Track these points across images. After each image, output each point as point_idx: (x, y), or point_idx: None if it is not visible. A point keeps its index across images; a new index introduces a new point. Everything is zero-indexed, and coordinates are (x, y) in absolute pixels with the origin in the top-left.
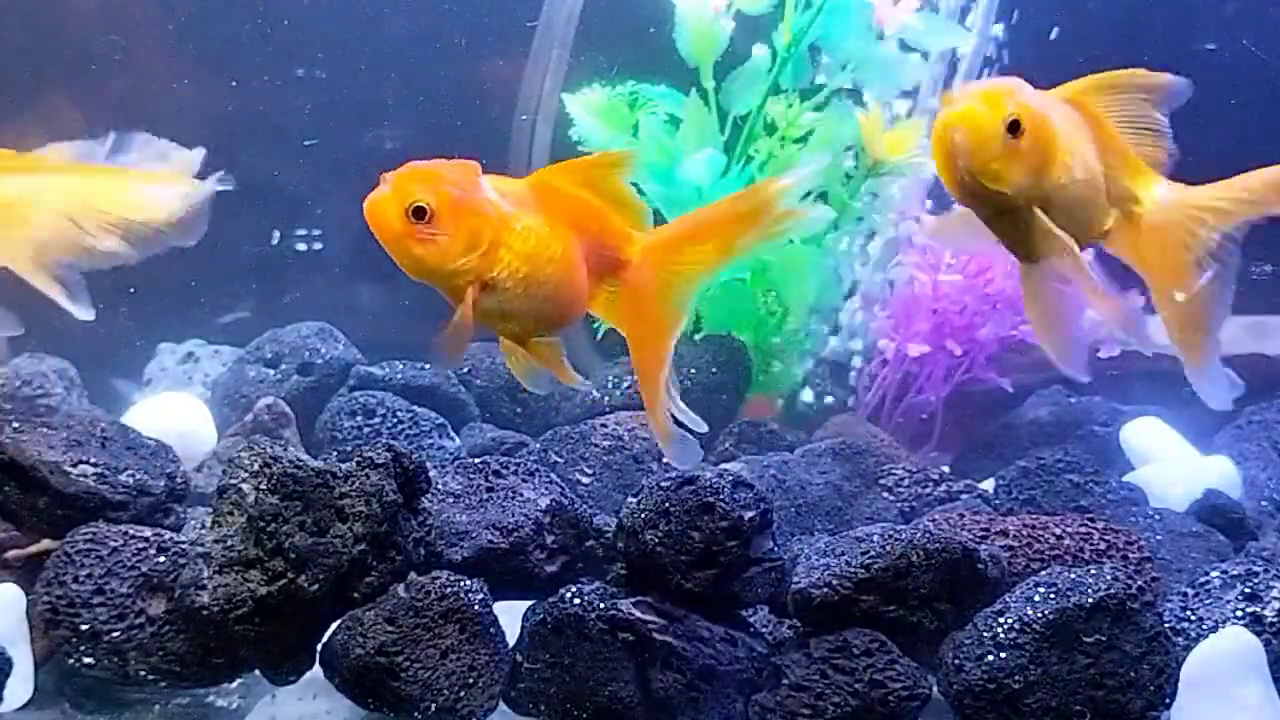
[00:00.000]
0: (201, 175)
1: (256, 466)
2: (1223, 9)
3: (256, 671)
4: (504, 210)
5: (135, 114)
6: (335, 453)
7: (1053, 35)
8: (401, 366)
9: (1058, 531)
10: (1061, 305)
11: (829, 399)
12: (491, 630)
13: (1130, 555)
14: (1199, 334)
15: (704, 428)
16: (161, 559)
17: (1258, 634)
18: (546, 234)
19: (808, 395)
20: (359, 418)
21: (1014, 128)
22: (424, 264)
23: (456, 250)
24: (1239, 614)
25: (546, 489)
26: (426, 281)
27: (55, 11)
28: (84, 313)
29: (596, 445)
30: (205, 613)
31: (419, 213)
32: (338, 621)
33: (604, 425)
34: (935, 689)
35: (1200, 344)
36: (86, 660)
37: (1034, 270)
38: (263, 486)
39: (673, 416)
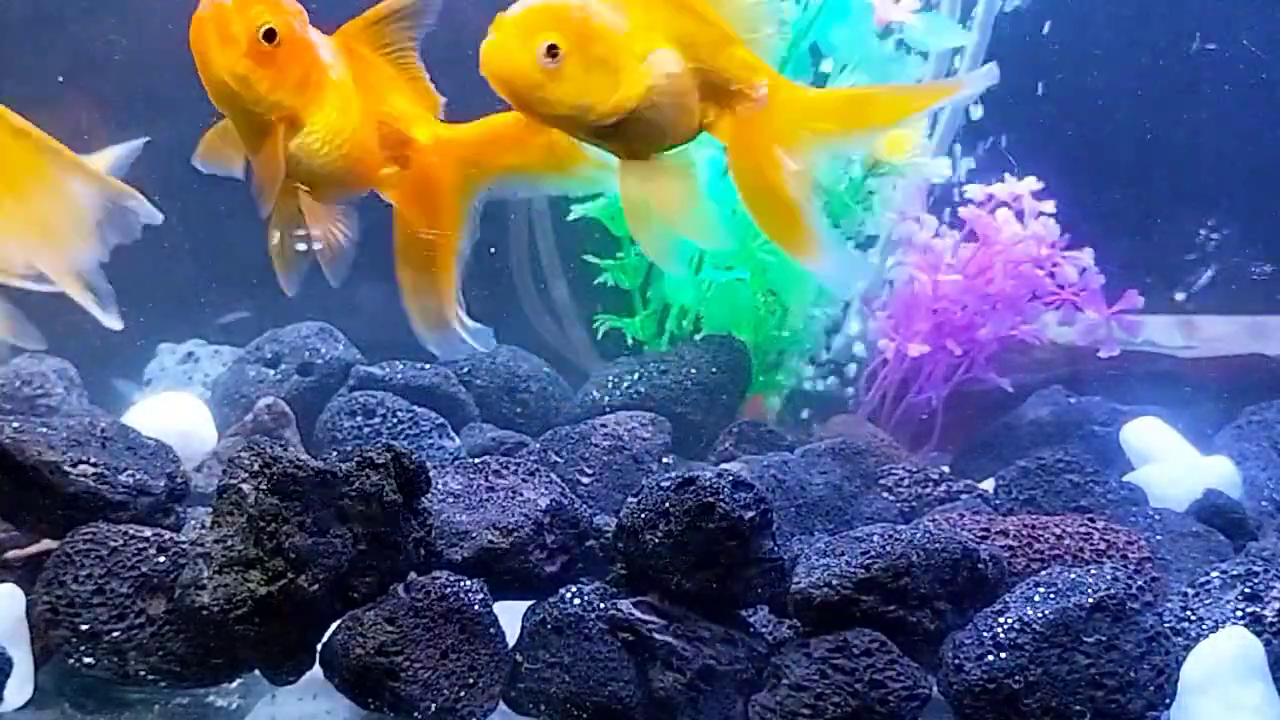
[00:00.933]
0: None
1: (256, 466)
2: (1220, 7)
3: (256, 671)
4: (327, 56)
5: (134, 112)
6: (335, 453)
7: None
8: (401, 367)
9: (1058, 531)
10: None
11: (829, 398)
12: (491, 630)
13: (1130, 555)
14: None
15: (489, 346)
16: (161, 559)
17: (1258, 634)
18: (353, 90)
19: (808, 395)
20: (359, 418)
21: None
22: (251, 89)
23: (289, 82)
24: (1239, 614)
25: (546, 489)
26: (231, 107)
27: (55, 9)
28: (113, 321)
29: (596, 445)
30: (205, 613)
31: (268, 35)
32: (338, 621)
33: (604, 425)
34: (935, 689)
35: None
36: (86, 660)
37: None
38: (263, 486)
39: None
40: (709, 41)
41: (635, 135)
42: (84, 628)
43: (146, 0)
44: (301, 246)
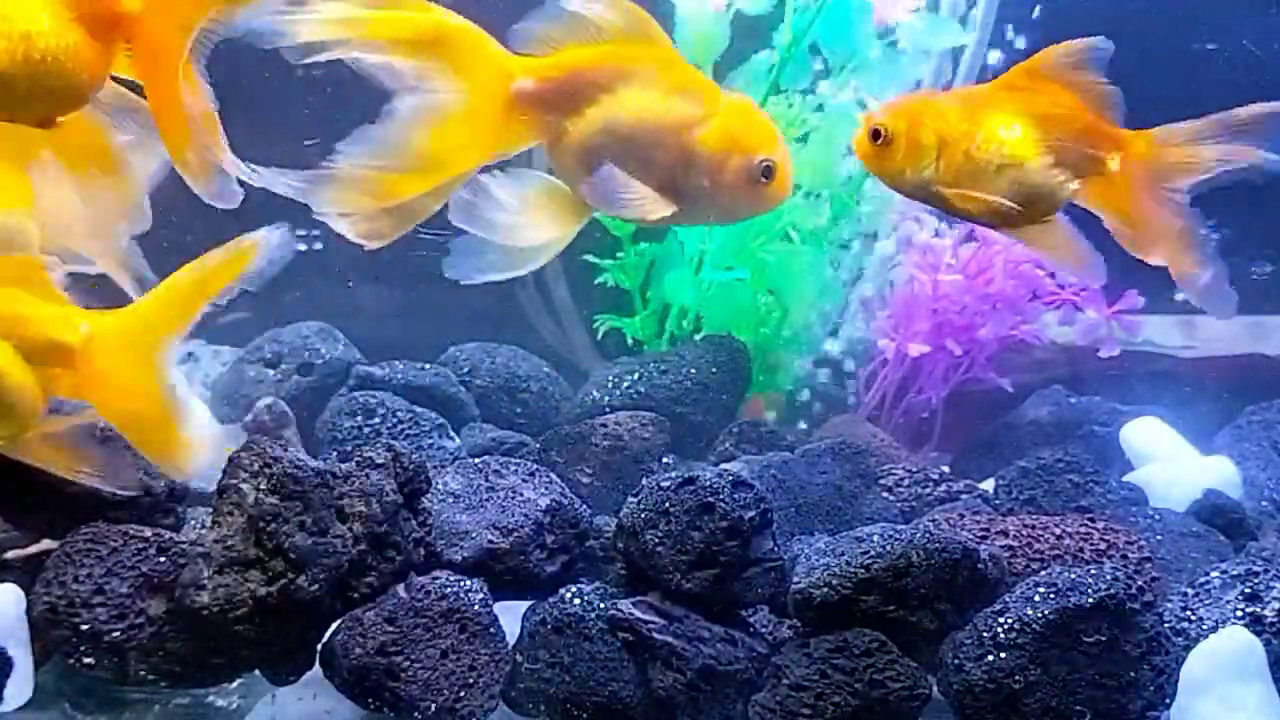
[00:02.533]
0: None
1: (256, 466)
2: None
3: (257, 672)
4: None
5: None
6: (335, 453)
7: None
8: (401, 367)
9: (1058, 531)
10: None
11: (829, 398)
12: (491, 630)
13: (1130, 555)
14: None
15: (256, 179)
16: (161, 559)
17: (1258, 634)
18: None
19: (808, 395)
20: (359, 418)
21: None
22: None
23: None
24: (1239, 614)
25: (546, 489)
26: None
27: None
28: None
29: (596, 445)
30: (205, 613)
31: None
32: (338, 621)
33: (604, 425)
34: (935, 689)
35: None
36: (86, 660)
37: None
38: (263, 486)
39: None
40: None
41: None
42: (84, 628)
43: None
44: None
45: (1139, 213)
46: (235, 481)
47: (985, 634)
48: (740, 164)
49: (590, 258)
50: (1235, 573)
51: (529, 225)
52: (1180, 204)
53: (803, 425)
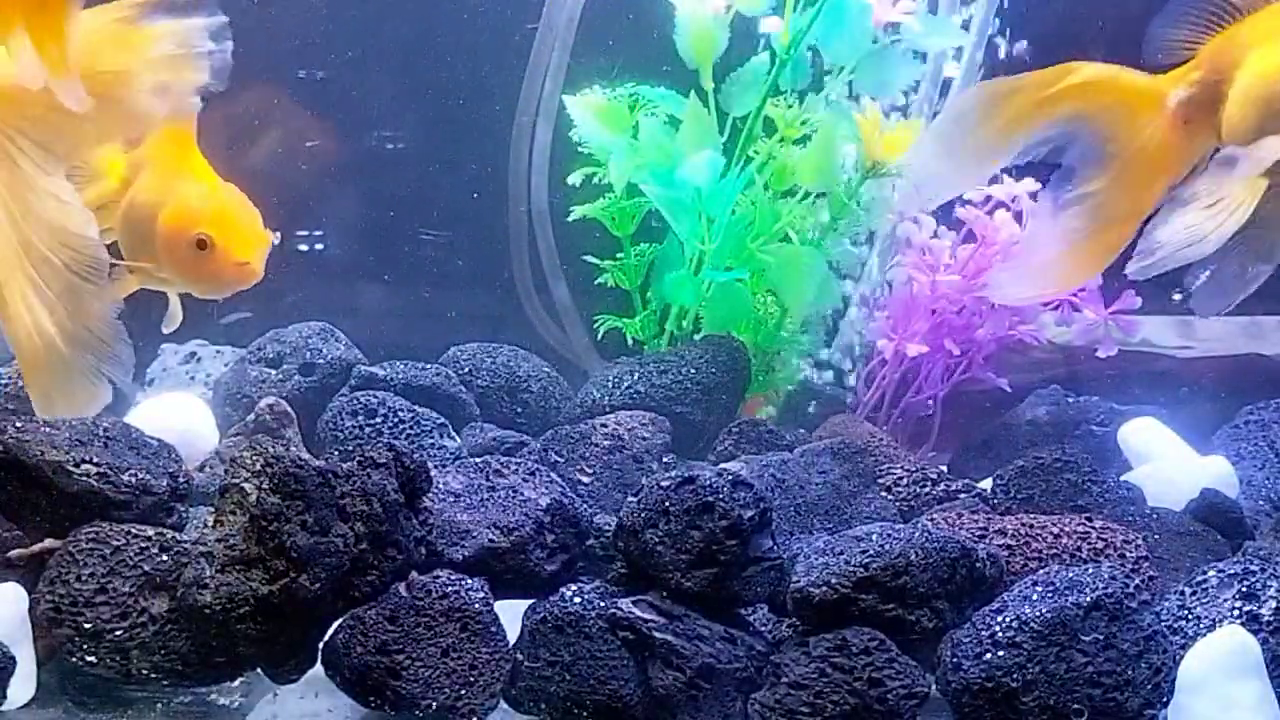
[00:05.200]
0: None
1: (258, 466)
2: None
3: (258, 670)
4: None
5: None
6: (337, 452)
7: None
8: (403, 367)
9: (1055, 531)
10: None
11: (828, 397)
12: (492, 629)
13: (1127, 554)
14: None
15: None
16: (164, 558)
17: (1254, 633)
18: None
19: (807, 395)
20: (360, 417)
21: None
22: None
23: None
24: (1236, 613)
25: (547, 488)
26: None
27: None
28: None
29: (596, 445)
30: (207, 611)
31: None
32: (339, 620)
33: (604, 425)
34: (933, 687)
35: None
36: (89, 659)
37: None
38: (265, 486)
39: None
40: None
41: None
42: (87, 626)
43: None
44: None
45: None
46: (237, 481)
47: (983, 632)
48: None
49: (590, 258)
50: (1232, 571)
51: (1220, 226)
52: None
53: (802, 426)
